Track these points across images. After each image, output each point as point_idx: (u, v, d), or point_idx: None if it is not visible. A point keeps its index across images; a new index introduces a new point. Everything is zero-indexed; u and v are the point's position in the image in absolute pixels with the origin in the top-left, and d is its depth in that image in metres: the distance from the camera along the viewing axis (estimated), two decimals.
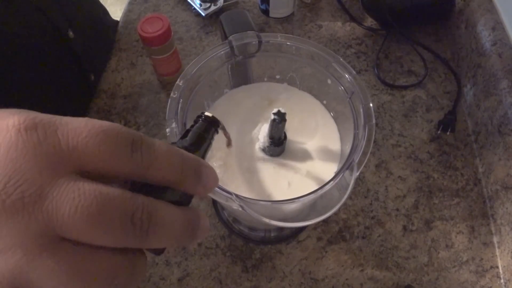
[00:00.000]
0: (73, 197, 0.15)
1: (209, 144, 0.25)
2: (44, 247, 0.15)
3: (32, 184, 0.15)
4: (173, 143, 0.24)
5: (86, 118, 0.17)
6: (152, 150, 0.18)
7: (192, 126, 0.25)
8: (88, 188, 0.15)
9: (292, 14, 0.74)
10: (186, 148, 0.23)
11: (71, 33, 0.56)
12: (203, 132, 0.25)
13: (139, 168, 0.17)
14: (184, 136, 0.25)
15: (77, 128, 0.16)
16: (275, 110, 0.35)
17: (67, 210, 0.15)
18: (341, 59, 0.39)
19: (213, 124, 0.26)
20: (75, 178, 0.16)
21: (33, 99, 0.50)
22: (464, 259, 0.51)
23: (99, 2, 0.72)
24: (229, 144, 0.33)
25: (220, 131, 0.27)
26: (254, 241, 0.52)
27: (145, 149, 0.17)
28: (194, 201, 0.56)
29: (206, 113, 0.26)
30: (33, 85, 0.51)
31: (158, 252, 0.20)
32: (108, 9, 0.76)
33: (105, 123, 0.17)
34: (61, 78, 0.57)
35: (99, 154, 0.16)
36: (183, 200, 0.20)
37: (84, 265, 0.15)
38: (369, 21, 0.73)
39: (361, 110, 0.36)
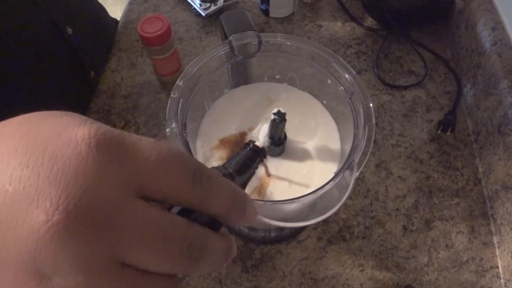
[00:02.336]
0: (141, 222, 0.15)
1: (253, 173, 0.26)
2: (106, 271, 0.14)
3: (102, 205, 0.14)
4: (219, 167, 0.24)
5: (153, 140, 0.17)
6: (210, 182, 0.18)
7: (239, 153, 0.26)
8: (155, 214, 0.16)
9: (292, 14, 0.74)
10: (231, 174, 0.23)
11: (69, 30, 0.56)
12: (249, 161, 0.26)
13: (196, 198, 0.17)
14: (230, 160, 0.25)
15: (146, 151, 0.16)
16: (275, 110, 0.35)
17: (135, 235, 0.15)
18: (341, 59, 0.39)
19: (259, 154, 0.27)
20: (142, 202, 0.16)
21: (33, 96, 0.50)
22: (464, 259, 0.51)
23: (97, 0, 0.72)
24: (268, 174, 0.35)
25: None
26: (254, 241, 0.52)
27: (205, 180, 0.18)
28: None
29: (255, 143, 0.27)
30: (33, 81, 0.51)
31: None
32: (108, 9, 0.76)
33: (172, 149, 0.17)
34: (60, 74, 0.57)
35: (164, 180, 0.16)
36: (220, 226, 0.20)
37: None
38: (369, 21, 0.73)
39: (361, 110, 0.36)
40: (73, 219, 0.13)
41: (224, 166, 0.25)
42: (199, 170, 0.17)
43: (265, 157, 0.27)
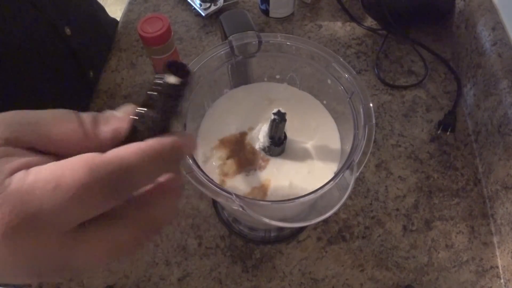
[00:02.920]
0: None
1: (176, 111, 0.21)
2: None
3: None
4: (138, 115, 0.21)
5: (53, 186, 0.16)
6: (129, 180, 0.18)
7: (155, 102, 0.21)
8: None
9: (292, 14, 0.74)
10: (157, 122, 0.20)
11: (68, 30, 0.56)
12: (171, 100, 0.21)
13: (128, 197, 0.18)
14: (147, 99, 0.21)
15: (46, 185, 0.16)
16: (275, 110, 0.35)
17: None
18: (341, 59, 0.39)
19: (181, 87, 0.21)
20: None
21: (32, 96, 0.50)
22: (464, 259, 0.51)
23: (96, 0, 0.72)
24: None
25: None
26: (254, 241, 0.52)
27: (122, 186, 0.17)
28: (195, 202, 0.56)
29: (166, 80, 0.20)
30: (31, 82, 0.51)
31: None
32: (108, 9, 0.76)
33: (75, 177, 0.16)
34: (59, 75, 0.57)
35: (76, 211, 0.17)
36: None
37: None
38: (369, 21, 0.73)
39: (361, 110, 0.36)
40: None
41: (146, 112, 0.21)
42: (113, 183, 0.17)
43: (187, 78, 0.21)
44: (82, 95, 0.64)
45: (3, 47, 0.45)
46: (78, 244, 0.17)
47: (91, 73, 0.64)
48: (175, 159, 0.20)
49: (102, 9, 0.74)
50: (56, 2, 0.55)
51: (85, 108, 0.63)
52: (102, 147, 0.18)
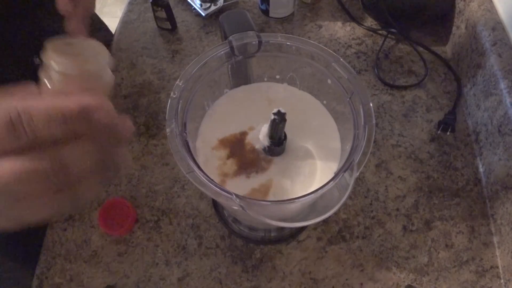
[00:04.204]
0: None
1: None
2: None
3: None
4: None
5: None
6: (32, 121, 0.19)
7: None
8: None
9: (292, 14, 0.74)
10: None
11: (37, 60, 0.56)
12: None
13: (28, 141, 0.19)
14: None
15: None
16: (275, 110, 0.35)
17: None
18: (341, 59, 0.39)
19: None
20: None
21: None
22: (464, 259, 0.51)
23: None
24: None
25: None
26: (254, 241, 0.52)
27: (26, 124, 0.18)
28: (195, 202, 0.56)
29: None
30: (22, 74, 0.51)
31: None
32: (108, 9, 0.77)
33: None
34: None
35: None
36: None
37: None
38: (369, 21, 0.73)
39: (361, 110, 0.36)
40: None
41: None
42: (15, 119, 0.18)
43: None
44: None
45: None
46: None
47: None
48: (81, 121, 0.20)
49: (95, 15, 0.74)
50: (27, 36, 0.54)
51: None
52: None
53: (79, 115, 0.20)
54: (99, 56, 0.26)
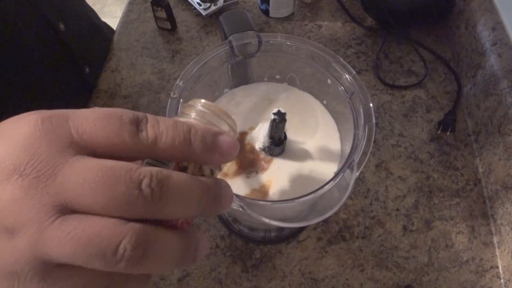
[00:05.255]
0: (80, 171, 0.16)
1: None
2: (54, 219, 0.15)
3: (46, 164, 0.16)
4: None
5: (93, 107, 0.18)
6: (157, 125, 0.18)
7: None
8: (95, 162, 0.16)
9: (292, 14, 0.74)
10: None
11: (62, 26, 0.56)
12: None
13: (146, 145, 0.18)
14: None
15: (85, 116, 0.17)
16: (275, 110, 0.35)
17: (75, 182, 0.16)
18: (341, 59, 0.39)
19: None
20: (84, 157, 0.17)
21: (28, 92, 0.50)
22: (464, 259, 0.51)
23: (89, 6, 0.73)
24: None
25: None
26: (254, 241, 0.52)
27: (150, 125, 0.18)
28: None
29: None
30: (27, 78, 0.51)
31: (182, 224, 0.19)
32: (108, 9, 0.77)
33: (110, 108, 0.18)
34: (54, 70, 0.57)
35: (105, 135, 0.17)
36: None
37: (91, 233, 0.15)
38: (369, 21, 0.73)
39: (361, 110, 0.36)
40: (23, 181, 0.16)
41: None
42: (142, 118, 0.18)
43: None
44: (81, 92, 0.64)
45: None
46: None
47: (87, 69, 0.64)
48: (212, 201, 0.19)
49: (94, 12, 0.75)
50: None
51: (84, 105, 0.63)
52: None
53: (202, 136, 0.19)
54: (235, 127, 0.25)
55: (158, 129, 0.18)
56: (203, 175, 0.20)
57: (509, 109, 0.52)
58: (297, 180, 0.39)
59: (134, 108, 0.63)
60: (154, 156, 0.18)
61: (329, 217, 0.52)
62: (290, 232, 0.52)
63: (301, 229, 0.52)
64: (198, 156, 0.19)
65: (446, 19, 0.71)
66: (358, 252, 0.51)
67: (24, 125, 0.17)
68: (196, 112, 0.21)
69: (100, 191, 0.16)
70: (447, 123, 0.60)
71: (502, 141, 0.52)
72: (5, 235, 0.16)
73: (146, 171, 0.16)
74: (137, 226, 0.16)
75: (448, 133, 0.60)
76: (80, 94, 0.64)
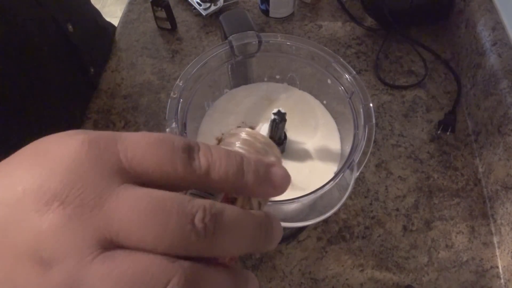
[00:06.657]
0: (129, 202, 0.15)
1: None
2: (97, 254, 0.14)
3: (91, 192, 0.15)
4: None
5: (143, 132, 0.17)
6: (210, 154, 0.17)
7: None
8: (144, 192, 0.15)
9: (292, 14, 0.74)
10: None
11: (70, 27, 0.57)
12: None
13: (198, 175, 0.16)
14: None
15: (135, 140, 0.16)
16: (275, 110, 0.35)
17: (123, 215, 0.14)
18: (341, 59, 0.39)
19: None
20: (133, 186, 0.15)
21: (33, 91, 0.51)
22: (464, 259, 0.51)
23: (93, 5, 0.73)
24: None
25: None
26: None
27: (203, 154, 0.17)
28: None
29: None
30: (33, 77, 0.51)
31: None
32: (108, 9, 0.77)
33: (161, 134, 0.17)
34: (61, 70, 0.57)
35: (156, 163, 0.16)
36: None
37: (138, 271, 0.14)
38: (369, 21, 0.73)
39: (361, 110, 0.36)
40: (66, 205, 0.14)
41: None
42: (194, 146, 0.17)
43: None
44: (84, 92, 0.64)
45: (6, 42, 0.45)
46: None
47: (92, 70, 0.64)
48: (264, 237, 0.17)
49: (98, 12, 0.75)
50: (59, 0, 0.56)
51: (84, 107, 0.63)
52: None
53: (256, 167, 0.18)
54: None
55: (211, 158, 0.17)
56: (251, 208, 0.19)
57: (509, 109, 0.52)
58: (297, 180, 0.39)
59: (134, 108, 0.63)
60: (205, 186, 0.17)
61: (329, 217, 0.52)
62: (290, 232, 0.52)
63: (301, 229, 0.52)
64: (250, 188, 0.18)
65: (446, 19, 0.71)
66: (358, 252, 0.51)
67: (70, 146, 0.16)
68: (240, 141, 0.21)
69: (150, 226, 0.14)
70: (447, 123, 0.60)
71: (502, 141, 0.52)
72: (40, 267, 0.14)
73: (199, 204, 0.15)
74: (186, 264, 0.15)
75: (448, 133, 0.60)
76: (82, 95, 0.64)
